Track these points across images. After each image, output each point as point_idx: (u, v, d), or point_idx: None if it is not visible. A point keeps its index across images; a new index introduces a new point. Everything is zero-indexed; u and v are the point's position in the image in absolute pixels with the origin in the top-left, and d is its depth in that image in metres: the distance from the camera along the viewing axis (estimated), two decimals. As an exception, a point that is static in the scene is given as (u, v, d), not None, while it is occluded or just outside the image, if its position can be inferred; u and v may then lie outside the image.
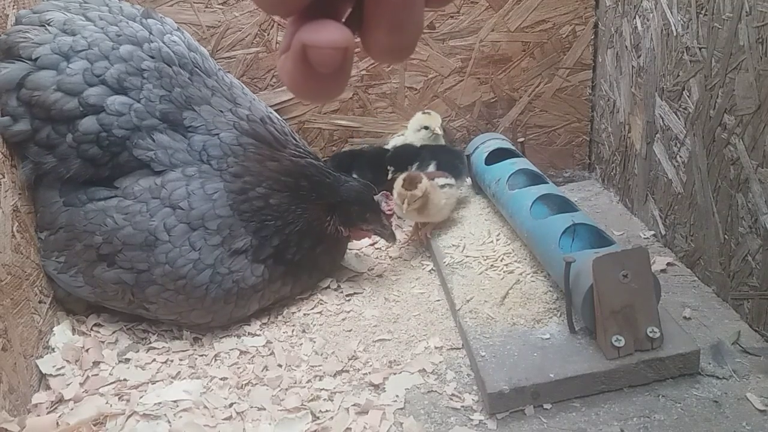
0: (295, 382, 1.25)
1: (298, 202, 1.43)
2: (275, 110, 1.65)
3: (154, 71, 1.38)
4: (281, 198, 1.41)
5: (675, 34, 1.43)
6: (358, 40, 0.38)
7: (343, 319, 1.44)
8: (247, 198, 1.38)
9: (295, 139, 1.53)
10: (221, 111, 1.43)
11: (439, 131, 1.78)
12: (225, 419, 1.17)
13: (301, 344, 1.36)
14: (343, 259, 1.63)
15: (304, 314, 1.46)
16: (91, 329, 1.42)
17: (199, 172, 1.36)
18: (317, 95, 0.38)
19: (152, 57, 1.40)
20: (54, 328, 1.37)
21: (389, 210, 1.53)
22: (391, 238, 1.54)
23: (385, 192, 1.56)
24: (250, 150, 1.42)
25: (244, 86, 1.58)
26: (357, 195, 1.50)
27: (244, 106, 1.48)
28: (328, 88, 0.37)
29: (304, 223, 1.44)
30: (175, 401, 1.21)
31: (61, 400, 1.23)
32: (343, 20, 0.39)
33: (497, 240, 1.59)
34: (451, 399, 1.18)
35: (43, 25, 1.34)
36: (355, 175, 1.65)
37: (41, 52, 1.31)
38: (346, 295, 1.52)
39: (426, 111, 1.83)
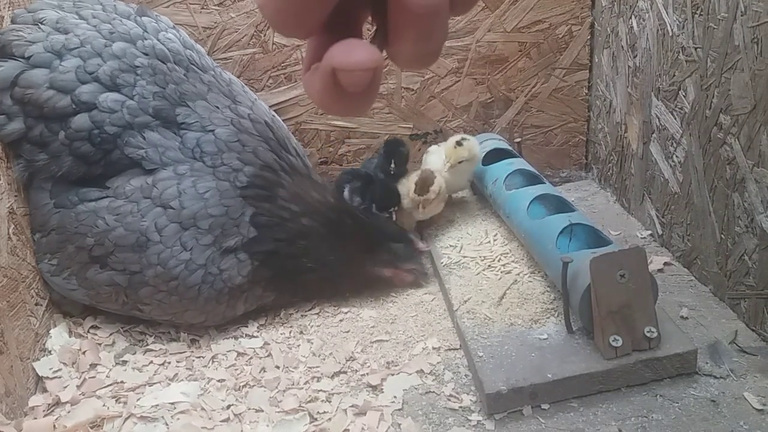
0: (293, 384, 1.25)
1: (336, 240, 1.43)
2: (273, 111, 1.65)
3: (148, 68, 1.38)
4: (317, 228, 1.41)
5: (671, 34, 1.43)
6: (385, 54, 0.39)
7: (341, 320, 1.44)
8: (273, 202, 1.38)
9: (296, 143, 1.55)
10: (218, 107, 1.42)
11: (444, 170, 1.63)
12: (223, 421, 1.17)
13: (298, 345, 1.36)
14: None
15: (302, 315, 1.46)
16: (88, 331, 1.41)
17: (191, 171, 1.35)
18: (347, 112, 0.39)
19: (146, 54, 1.39)
20: (50, 331, 1.37)
21: (425, 248, 1.56)
22: (423, 277, 1.55)
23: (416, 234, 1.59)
24: (264, 156, 1.40)
25: (244, 85, 1.58)
26: (398, 237, 1.52)
27: (245, 105, 1.47)
28: (357, 105, 0.38)
29: (335, 259, 1.43)
30: (172, 403, 1.21)
31: (58, 403, 1.22)
32: (371, 36, 0.39)
33: (494, 240, 1.59)
34: (449, 400, 1.18)
35: (37, 24, 1.34)
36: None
37: (34, 51, 1.30)
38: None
39: (461, 141, 1.64)
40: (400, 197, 1.64)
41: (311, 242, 1.41)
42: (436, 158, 1.68)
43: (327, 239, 1.43)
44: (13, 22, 1.35)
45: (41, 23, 1.34)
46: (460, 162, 1.62)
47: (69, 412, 1.20)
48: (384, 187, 1.63)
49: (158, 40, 1.43)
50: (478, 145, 1.67)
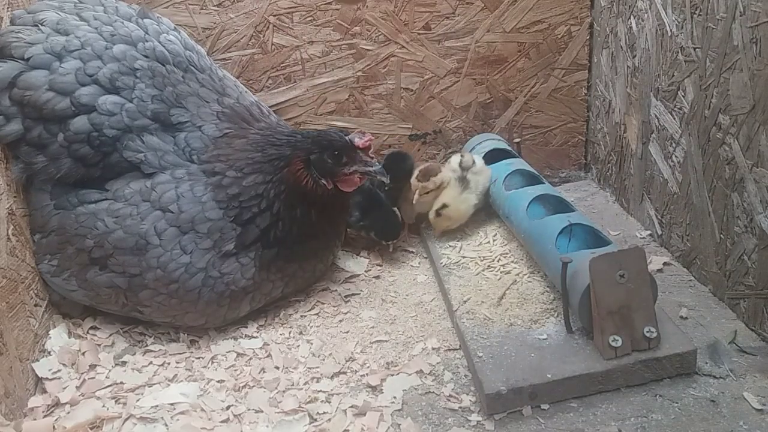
0: (293, 384, 1.25)
1: (273, 174, 1.36)
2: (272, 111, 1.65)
3: (147, 70, 1.38)
4: (255, 178, 1.36)
5: (669, 35, 1.44)
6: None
7: (341, 321, 1.44)
8: (221, 185, 1.35)
9: (277, 120, 1.51)
10: (207, 102, 1.43)
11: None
12: (222, 422, 1.16)
13: (298, 346, 1.36)
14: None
15: (301, 316, 1.46)
16: (88, 332, 1.41)
17: (187, 174, 1.35)
18: None
19: (146, 56, 1.40)
20: (50, 332, 1.37)
21: (365, 143, 1.39)
22: (380, 174, 1.41)
23: (360, 129, 1.46)
24: (225, 134, 1.40)
25: (237, 81, 1.59)
26: (325, 140, 1.39)
27: (232, 96, 1.48)
28: None
29: (287, 191, 1.36)
30: (172, 404, 1.21)
31: (57, 404, 1.22)
32: None
33: (494, 241, 1.59)
34: (449, 400, 1.18)
35: (37, 25, 1.34)
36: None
37: (33, 52, 1.31)
38: (344, 297, 1.52)
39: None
40: (400, 229, 1.65)
41: (270, 198, 1.36)
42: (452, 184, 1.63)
43: (270, 183, 1.36)
44: (12, 23, 1.35)
45: (41, 24, 1.34)
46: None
47: (68, 413, 1.20)
48: (386, 219, 1.63)
49: (159, 42, 1.44)
50: (468, 199, 1.61)
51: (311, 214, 1.40)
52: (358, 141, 1.38)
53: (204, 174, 1.36)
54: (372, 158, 1.41)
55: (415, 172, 1.61)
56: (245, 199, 1.35)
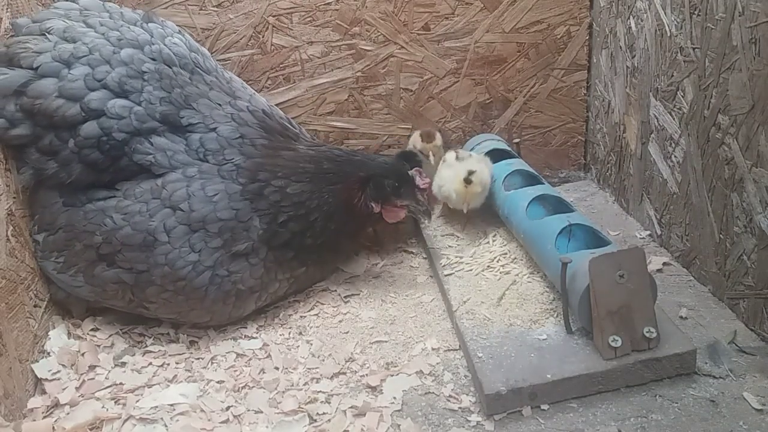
0: (292, 385, 1.25)
1: (324, 185, 1.42)
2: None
3: (155, 73, 1.39)
4: (301, 186, 1.41)
5: (669, 35, 1.44)
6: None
7: (340, 321, 1.44)
8: (262, 195, 1.38)
9: (306, 134, 1.58)
10: (219, 104, 1.44)
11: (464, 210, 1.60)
12: (222, 422, 1.17)
13: (297, 347, 1.36)
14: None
15: (301, 316, 1.46)
16: (87, 333, 1.41)
17: (199, 173, 1.36)
18: None
19: (153, 59, 1.41)
20: (49, 333, 1.37)
21: (424, 184, 1.47)
22: (425, 215, 1.49)
23: (417, 168, 1.50)
24: (259, 143, 1.42)
25: (244, 82, 1.60)
26: (390, 168, 1.47)
27: (244, 99, 1.49)
28: None
29: (333, 204, 1.43)
30: (171, 405, 1.21)
31: (57, 405, 1.22)
32: None
33: (493, 241, 1.59)
34: (449, 400, 1.18)
35: (43, 34, 1.35)
36: None
37: (42, 61, 1.31)
38: (343, 297, 1.52)
39: (469, 178, 1.55)
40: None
41: (308, 205, 1.41)
42: (451, 173, 1.58)
43: (317, 192, 1.42)
44: (16, 31, 1.36)
45: (48, 33, 1.35)
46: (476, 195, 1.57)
47: (68, 414, 1.20)
48: None
49: (165, 44, 1.45)
50: (487, 171, 1.59)
51: (344, 230, 1.48)
52: (419, 181, 1.47)
53: (233, 181, 1.37)
54: (423, 200, 1.49)
55: (416, 137, 1.71)
56: (286, 205, 1.40)
